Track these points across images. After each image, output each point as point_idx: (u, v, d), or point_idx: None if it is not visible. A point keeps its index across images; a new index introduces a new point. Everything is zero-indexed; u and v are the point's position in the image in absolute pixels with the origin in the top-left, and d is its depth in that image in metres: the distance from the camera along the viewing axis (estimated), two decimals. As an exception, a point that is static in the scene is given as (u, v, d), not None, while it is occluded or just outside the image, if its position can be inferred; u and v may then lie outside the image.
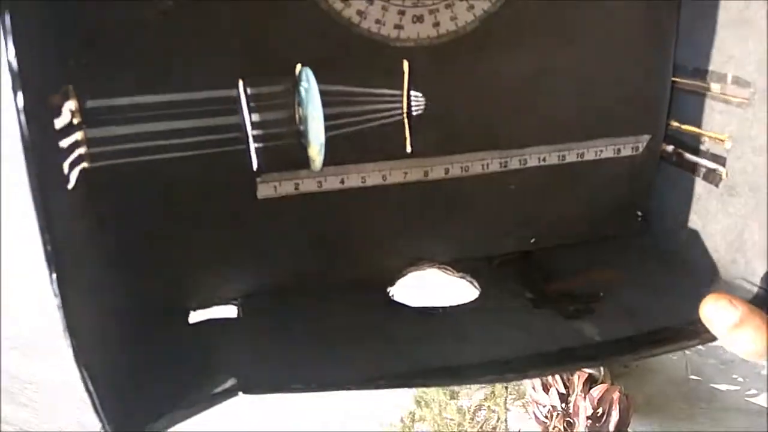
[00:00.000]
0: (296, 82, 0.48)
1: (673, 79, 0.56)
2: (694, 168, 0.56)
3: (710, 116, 0.53)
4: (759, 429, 0.80)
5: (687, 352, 0.81)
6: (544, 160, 0.56)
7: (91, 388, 0.35)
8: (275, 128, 0.49)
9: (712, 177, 0.54)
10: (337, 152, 0.50)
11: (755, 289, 0.49)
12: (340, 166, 0.51)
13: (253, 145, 0.49)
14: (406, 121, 0.52)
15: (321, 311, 0.51)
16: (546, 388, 0.77)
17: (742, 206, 0.51)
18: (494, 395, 0.85)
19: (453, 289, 0.55)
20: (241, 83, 0.47)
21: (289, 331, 0.49)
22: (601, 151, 0.57)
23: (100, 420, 0.35)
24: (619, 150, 0.57)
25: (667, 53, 0.55)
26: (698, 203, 0.55)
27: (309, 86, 0.48)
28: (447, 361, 0.44)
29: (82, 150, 0.43)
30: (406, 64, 0.50)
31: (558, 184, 0.57)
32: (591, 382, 0.76)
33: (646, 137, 0.58)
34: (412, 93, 0.51)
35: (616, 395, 0.74)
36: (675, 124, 0.57)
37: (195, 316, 0.51)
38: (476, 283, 0.55)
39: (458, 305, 0.52)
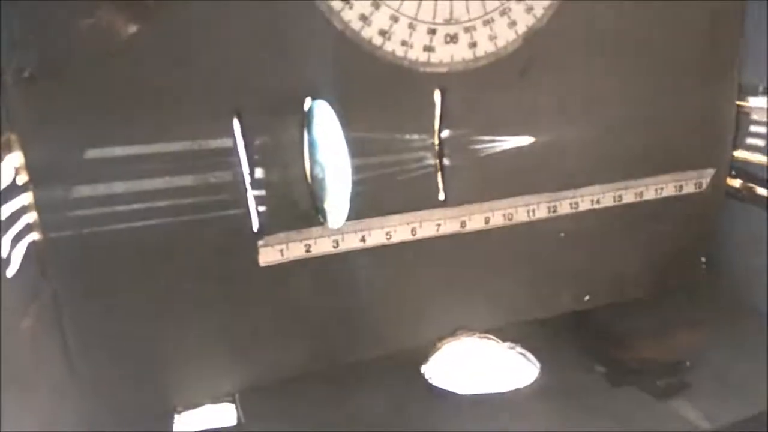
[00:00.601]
0: (305, 119, 0.39)
1: (739, 102, 0.49)
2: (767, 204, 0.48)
3: None
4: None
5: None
6: (598, 202, 0.47)
7: None
8: (279, 178, 0.40)
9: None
10: (355, 203, 0.41)
11: None
12: (360, 221, 0.42)
13: (252, 200, 0.39)
14: (437, 162, 0.43)
15: (343, 406, 0.41)
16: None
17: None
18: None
19: (503, 364, 0.45)
20: (236, 122, 0.37)
21: None
22: (662, 188, 0.49)
23: None
24: (681, 187, 0.49)
25: (732, 73, 0.48)
26: None
27: (321, 124, 0.38)
28: None
29: (29, 217, 0.32)
30: (437, 93, 0.41)
31: (614, 230, 0.49)
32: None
33: (710, 171, 0.50)
34: (445, 130, 0.42)
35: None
36: (742, 155, 0.50)
37: (181, 422, 0.40)
38: (530, 355, 0.45)
39: (516, 388, 0.42)
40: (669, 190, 0.49)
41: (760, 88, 0.47)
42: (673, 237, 0.51)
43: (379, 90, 0.40)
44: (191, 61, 0.36)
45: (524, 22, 0.42)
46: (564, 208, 0.47)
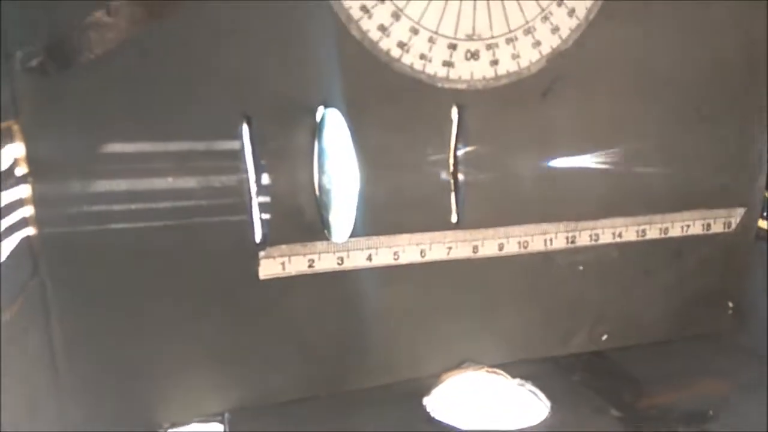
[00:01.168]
0: (316, 127, 0.37)
1: (772, 138, 0.47)
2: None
3: None
4: None
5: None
6: (620, 235, 0.45)
7: None
8: (286, 185, 0.38)
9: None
10: (363, 219, 0.39)
11: None
12: (367, 238, 0.40)
13: (256, 208, 0.37)
14: (451, 182, 0.41)
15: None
16: None
17: None
18: None
19: (511, 402, 0.42)
20: (245, 126, 0.36)
21: None
22: (688, 226, 0.46)
23: None
24: (708, 225, 0.47)
25: (764, 103, 0.46)
26: None
27: (333, 133, 0.37)
28: None
29: (26, 211, 0.31)
30: (455, 110, 0.40)
31: (636, 267, 0.47)
32: None
33: (741, 210, 0.47)
34: (461, 148, 0.40)
35: None
36: (774, 194, 0.47)
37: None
38: (540, 393, 0.42)
39: (524, 427, 0.39)
40: (696, 228, 0.47)
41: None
42: (699, 279, 0.48)
43: (394, 103, 0.39)
44: (203, 62, 0.35)
45: (549, 42, 0.40)
46: (583, 239, 0.45)
